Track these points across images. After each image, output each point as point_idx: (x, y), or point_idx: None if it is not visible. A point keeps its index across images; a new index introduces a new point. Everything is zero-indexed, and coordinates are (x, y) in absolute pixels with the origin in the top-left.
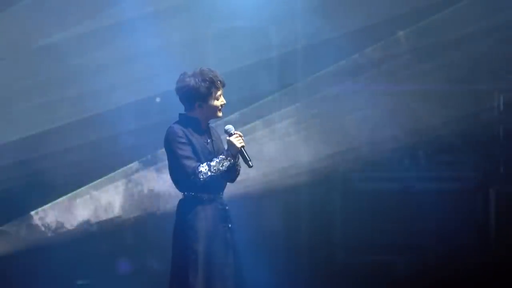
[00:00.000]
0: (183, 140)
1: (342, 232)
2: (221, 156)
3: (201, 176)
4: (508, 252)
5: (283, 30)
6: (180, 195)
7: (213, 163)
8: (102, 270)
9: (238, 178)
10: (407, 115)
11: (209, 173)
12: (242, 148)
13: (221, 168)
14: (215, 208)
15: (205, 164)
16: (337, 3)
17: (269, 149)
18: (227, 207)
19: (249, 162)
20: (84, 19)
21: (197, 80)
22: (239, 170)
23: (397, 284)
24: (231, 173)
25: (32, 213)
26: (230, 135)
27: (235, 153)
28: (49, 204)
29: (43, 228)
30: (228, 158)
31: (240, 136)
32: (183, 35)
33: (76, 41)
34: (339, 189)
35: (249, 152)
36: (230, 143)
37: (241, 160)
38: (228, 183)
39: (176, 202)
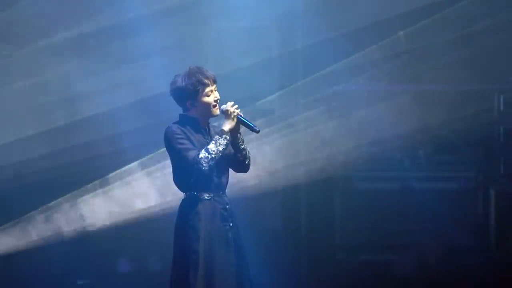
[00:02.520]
0: (182, 136)
1: (342, 232)
2: (216, 137)
3: (203, 162)
4: (508, 252)
5: (282, 30)
6: (182, 195)
7: (210, 146)
8: (102, 270)
9: (238, 179)
10: (407, 115)
11: (209, 157)
12: (240, 117)
13: (219, 148)
14: (216, 207)
15: (203, 150)
16: (337, 2)
17: (268, 149)
18: (227, 206)
19: (255, 128)
20: (85, 20)
21: (184, 79)
22: (249, 156)
23: (396, 284)
24: (237, 155)
25: (32, 213)
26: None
27: (234, 127)
28: (49, 204)
29: (43, 228)
30: (224, 136)
31: (230, 108)
32: (183, 36)
33: (75, 42)
34: (339, 189)
35: (250, 152)
36: (225, 119)
37: (246, 147)
38: (230, 182)
39: (177, 202)
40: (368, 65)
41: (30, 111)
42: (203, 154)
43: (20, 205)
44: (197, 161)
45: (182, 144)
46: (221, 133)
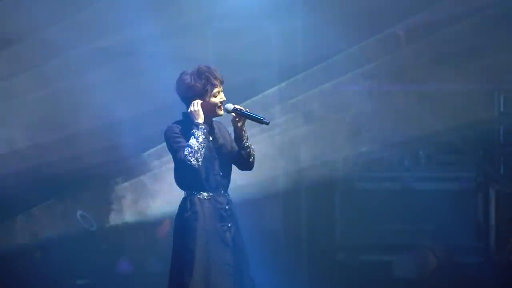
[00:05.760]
0: (179, 135)
1: (342, 232)
2: (192, 131)
3: (189, 157)
4: (508, 252)
5: (283, 30)
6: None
7: (190, 141)
8: (102, 270)
9: (237, 178)
10: (407, 115)
11: (192, 150)
12: (247, 113)
13: (199, 139)
14: (215, 207)
15: (186, 147)
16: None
17: (269, 149)
18: (227, 206)
19: (264, 120)
20: (94, 38)
21: (192, 78)
22: (253, 153)
23: (396, 284)
24: (242, 153)
25: (33, 213)
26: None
27: (239, 125)
28: (50, 204)
29: (43, 228)
30: (199, 127)
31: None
32: (186, 53)
33: (84, 57)
34: (339, 190)
35: (254, 150)
36: (197, 115)
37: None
38: (231, 181)
39: (177, 202)
40: (367, 65)
41: (43, 119)
42: (186, 150)
43: (20, 205)
44: (183, 159)
45: (177, 142)
46: (196, 125)
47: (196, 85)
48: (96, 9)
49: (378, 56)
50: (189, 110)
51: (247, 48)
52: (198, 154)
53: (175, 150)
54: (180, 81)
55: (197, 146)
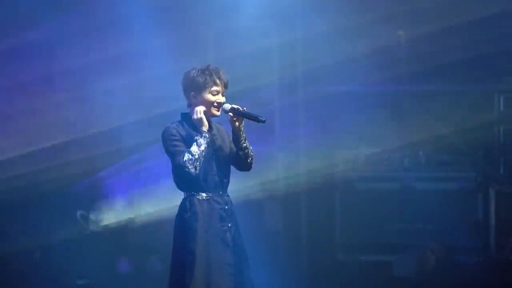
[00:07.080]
0: (176, 137)
1: (342, 232)
2: (195, 137)
3: (188, 164)
4: (508, 252)
5: (283, 29)
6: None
7: (192, 148)
8: (102, 270)
9: (237, 178)
10: (407, 115)
11: (193, 158)
12: (244, 112)
13: (201, 148)
14: (214, 207)
15: (186, 153)
16: (337, 1)
17: (269, 149)
18: (227, 207)
19: (261, 118)
20: (103, 47)
21: (197, 71)
22: (251, 154)
23: (396, 284)
24: (240, 153)
25: (33, 213)
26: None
27: (237, 126)
28: (50, 205)
29: (44, 228)
30: (203, 135)
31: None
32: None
33: (95, 66)
34: (339, 189)
35: (252, 151)
36: (200, 121)
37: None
38: (231, 182)
39: (176, 202)
40: (368, 65)
41: (45, 123)
42: (186, 156)
43: (21, 205)
44: (182, 165)
45: (175, 146)
46: (200, 133)
47: (198, 79)
48: (97, 15)
49: (378, 57)
50: (193, 118)
51: (247, 52)
52: (198, 162)
53: (173, 154)
54: (186, 73)
55: (198, 154)
